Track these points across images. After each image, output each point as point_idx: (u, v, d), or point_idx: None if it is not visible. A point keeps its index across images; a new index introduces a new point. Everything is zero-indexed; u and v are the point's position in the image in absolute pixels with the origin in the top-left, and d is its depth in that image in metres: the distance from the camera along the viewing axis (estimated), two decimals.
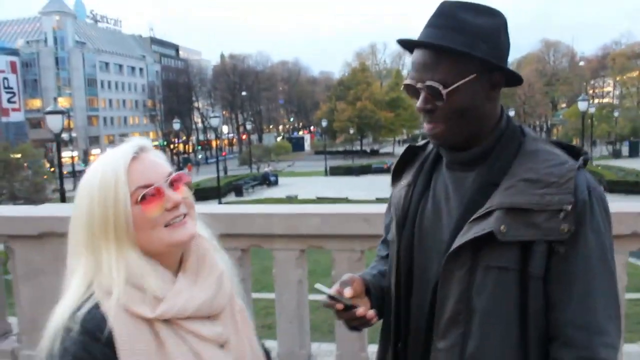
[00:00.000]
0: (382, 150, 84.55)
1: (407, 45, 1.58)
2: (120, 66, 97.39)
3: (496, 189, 1.47)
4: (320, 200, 30.88)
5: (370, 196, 31.85)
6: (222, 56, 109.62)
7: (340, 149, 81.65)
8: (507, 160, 1.51)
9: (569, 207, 1.38)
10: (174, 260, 1.37)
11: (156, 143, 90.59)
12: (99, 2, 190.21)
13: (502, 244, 1.40)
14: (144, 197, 1.27)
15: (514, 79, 1.57)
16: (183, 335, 1.27)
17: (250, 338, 1.44)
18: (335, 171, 55.33)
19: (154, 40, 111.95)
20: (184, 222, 1.33)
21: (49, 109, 17.02)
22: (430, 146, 1.75)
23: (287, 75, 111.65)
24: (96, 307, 1.23)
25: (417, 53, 1.52)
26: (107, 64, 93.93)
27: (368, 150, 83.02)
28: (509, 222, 1.40)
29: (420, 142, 1.82)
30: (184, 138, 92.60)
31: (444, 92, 1.45)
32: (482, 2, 1.54)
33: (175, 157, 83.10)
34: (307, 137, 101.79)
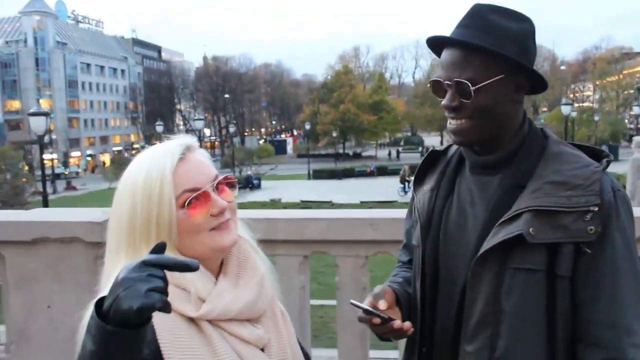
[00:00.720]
0: (364, 154, 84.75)
1: (437, 43, 1.60)
2: (102, 67, 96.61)
3: (522, 192, 1.49)
4: (304, 203, 30.81)
5: (354, 200, 31.90)
6: (204, 58, 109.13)
7: (323, 152, 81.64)
8: (532, 163, 1.54)
9: (596, 209, 1.42)
10: (216, 263, 1.33)
11: (137, 145, 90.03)
12: (81, 2, 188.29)
13: (530, 245, 1.43)
14: (190, 202, 1.24)
15: (538, 86, 1.60)
16: (225, 337, 1.24)
17: (292, 341, 1.40)
18: (318, 174, 55.30)
19: (136, 42, 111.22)
20: (228, 227, 1.30)
21: (32, 110, 16.78)
22: (452, 150, 1.77)
23: (270, 78, 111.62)
24: None
25: (447, 52, 1.56)
26: (88, 65, 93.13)
27: (351, 154, 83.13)
28: (537, 224, 1.43)
29: (441, 147, 1.84)
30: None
31: (472, 89, 1.48)
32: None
33: None
34: (290, 140, 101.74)
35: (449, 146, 1.80)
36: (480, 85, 1.48)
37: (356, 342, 3.51)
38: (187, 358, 1.16)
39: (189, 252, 1.25)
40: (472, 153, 1.63)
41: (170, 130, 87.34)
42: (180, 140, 1.30)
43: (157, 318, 1.15)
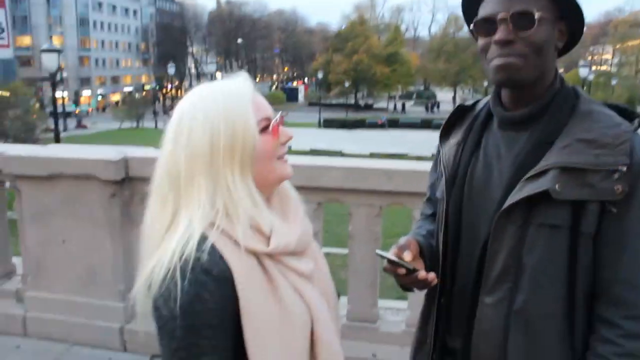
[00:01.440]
0: (376, 105, 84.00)
1: None
2: (114, 7, 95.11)
3: (550, 148, 1.47)
4: (313, 152, 30.83)
5: (364, 150, 31.88)
6: (218, 1, 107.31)
7: (335, 101, 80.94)
8: (562, 120, 1.51)
9: (624, 169, 1.39)
10: (267, 196, 1.36)
11: (148, 87, 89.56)
12: None
13: (555, 202, 1.42)
14: (267, 128, 1.31)
15: (574, 39, 1.58)
16: (284, 272, 1.27)
17: (328, 274, 1.45)
18: (329, 124, 55.05)
19: None
20: (287, 159, 1.37)
21: (44, 47, 16.57)
22: (480, 106, 1.75)
23: (284, 25, 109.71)
24: (212, 244, 1.20)
25: None
26: (100, 4, 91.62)
27: (362, 105, 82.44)
28: (563, 181, 1.41)
29: (469, 102, 1.81)
30: (177, 83, 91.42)
31: (536, 17, 1.44)
32: None
33: (169, 102, 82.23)
34: (301, 88, 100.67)
35: (477, 101, 1.79)
36: (540, 17, 1.45)
37: (366, 291, 3.55)
38: (262, 301, 1.20)
39: (261, 179, 1.30)
40: (501, 108, 1.60)
41: (182, 73, 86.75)
42: (244, 76, 1.37)
43: (231, 255, 1.19)
